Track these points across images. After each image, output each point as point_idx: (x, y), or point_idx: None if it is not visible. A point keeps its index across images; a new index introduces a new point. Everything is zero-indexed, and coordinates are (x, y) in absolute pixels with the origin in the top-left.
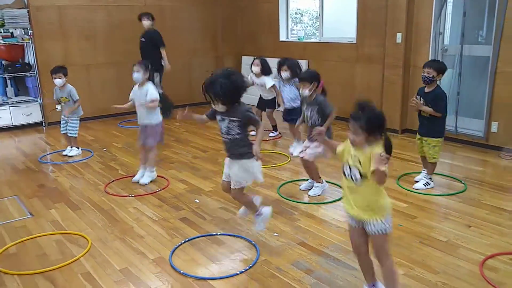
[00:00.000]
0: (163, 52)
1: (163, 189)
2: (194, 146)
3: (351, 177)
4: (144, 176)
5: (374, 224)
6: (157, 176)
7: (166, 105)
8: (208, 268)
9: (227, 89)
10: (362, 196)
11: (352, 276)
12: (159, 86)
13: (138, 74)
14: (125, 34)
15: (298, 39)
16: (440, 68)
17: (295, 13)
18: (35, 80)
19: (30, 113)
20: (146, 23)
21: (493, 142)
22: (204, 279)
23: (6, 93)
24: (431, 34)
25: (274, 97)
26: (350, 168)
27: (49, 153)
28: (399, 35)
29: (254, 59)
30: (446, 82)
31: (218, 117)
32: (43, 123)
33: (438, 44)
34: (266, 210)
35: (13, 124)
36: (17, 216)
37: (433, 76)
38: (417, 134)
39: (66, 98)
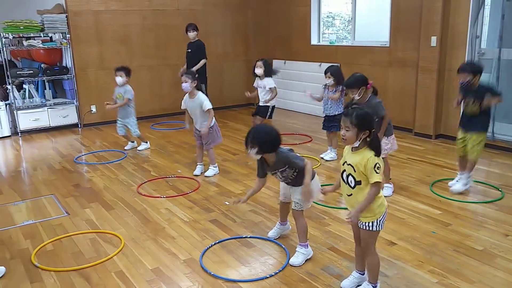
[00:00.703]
0: (202, 62)
1: (194, 190)
2: (224, 149)
3: (348, 183)
4: (209, 170)
5: (363, 222)
6: (187, 177)
7: None
8: (238, 271)
9: (266, 139)
10: (355, 199)
11: (384, 283)
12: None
13: (186, 84)
14: (159, 39)
15: (330, 43)
16: (474, 69)
17: (327, 16)
18: (72, 83)
19: (66, 114)
20: (191, 34)
21: None
22: (234, 281)
23: (44, 95)
24: (468, 37)
25: (268, 106)
26: (347, 176)
27: (84, 154)
28: (433, 39)
29: (257, 61)
30: None
31: (269, 173)
32: (79, 125)
33: (474, 48)
34: (310, 250)
35: (51, 125)
36: (54, 215)
37: (469, 79)
38: (460, 133)
39: (120, 94)
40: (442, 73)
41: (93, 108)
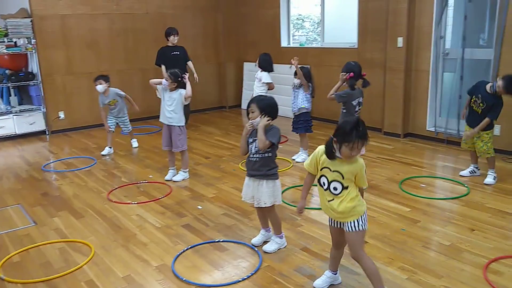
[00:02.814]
0: (191, 65)
1: (165, 196)
2: (196, 153)
3: (329, 190)
4: (178, 174)
5: (351, 224)
6: (159, 182)
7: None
8: (211, 275)
9: (270, 104)
10: (340, 203)
11: (355, 281)
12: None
13: (166, 82)
14: (128, 43)
15: (300, 45)
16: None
17: (297, 18)
18: (39, 89)
19: (33, 121)
20: (176, 38)
21: (496, 146)
22: (207, 286)
23: (9, 102)
24: (432, 38)
25: None
26: (329, 182)
27: (53, 161)
28: (400, 40)
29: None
30: (447, 85)
31: (250, 140)
32: (47, 132)
33: (439, 48)
34: (285, 241)
35: (17, 133)
36: (20, 225)
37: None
38: (466, 129)
39: (113, 100)
40: (409, 73)
41: (61, 114)
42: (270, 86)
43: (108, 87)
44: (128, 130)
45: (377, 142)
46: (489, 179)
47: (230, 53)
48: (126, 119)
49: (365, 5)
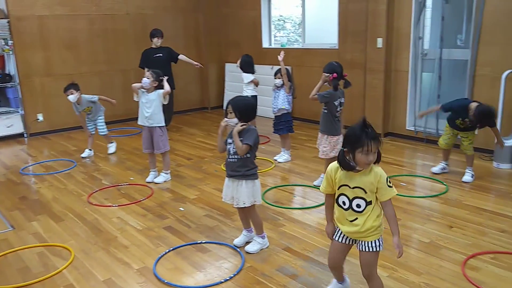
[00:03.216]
0: (185, 57)
1: (147, 198)
2: (178, 154)
3: (352, 208)
4: (160, 176)
5: (370, 244)
6: (140, 184)
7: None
8: (193, 277)
9: (246, 106)
10: (366, 222)
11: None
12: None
13: (147, 81)
14: (108, 44)
15: (281, 46)
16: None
17: (278, 19)
18: (16, 91)
19: (11, 124)
20: (159, 41)
21: (474, 144)
22: None
23: None
24: (411, 38)
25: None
26: (350, 200)
27: (31, 164)
28: (379, 40)
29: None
30: (426, 85)
31: (229, 140)
32: (25, 134)
33: (418, 49)
34: (267, 241)
35: None
36: None
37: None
38: (448, 130)
39: (88, 107)
40: (389, 74)
41: (40, 117)
42: (255, 82)
43: (80, 94)
44: (104, 133)
45: None
46: (467, 177)
47: (211, 54)
48: (101, 121)
49: (345, 6)
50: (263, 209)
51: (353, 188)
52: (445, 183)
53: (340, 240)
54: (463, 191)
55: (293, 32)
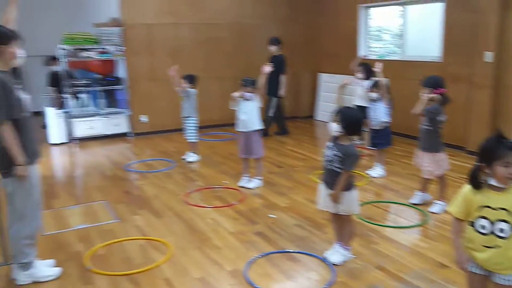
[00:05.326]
0: (284, 79)
1: (239, 202)
2: (269, 161)
3: (494, 233)
4: (253, 181)
5: (509, 277)
6: (233, 188)
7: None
8: (283, 285)
9: (355, 120)
10: (507, 248)
11: None
12: (272, 109)
13: (250, 95)
14: (208, 51)
15: (378, 57)
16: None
17: (376, 30)
18: (124, 93)
19: (119, 123)
20: (272, 48)
21: None
22: None
23: (98, 105)
24: None
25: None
26: (491, 223)
27: (135, 162)
28: (489, 54)
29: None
30: None
31: (328, 143)
32: (130, 134)
33: None
34: (350, 255)
35: (104, 133)
36: (105, 220)
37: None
38: None
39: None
40: (498, 89)
41: (144, 118)
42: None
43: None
44: (192, 140)
45: (459, 161)
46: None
47: (306, 64)
48: (192, 126)
49: (451, 17)
50: (356, 225)
51: (496, 209)
52: None
53: (477, 271)
54: None
55: (391, 43)
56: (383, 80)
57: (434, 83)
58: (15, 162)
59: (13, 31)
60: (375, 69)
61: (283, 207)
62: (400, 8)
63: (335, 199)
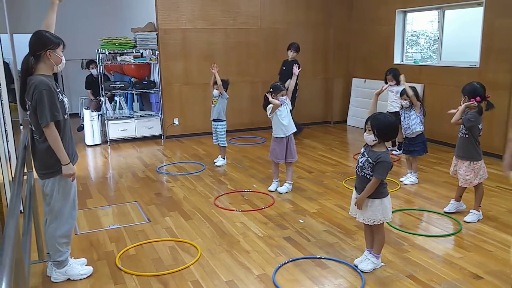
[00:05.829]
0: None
1: (268, 206)
2: (299, 166)
3: None
4: (284, 186)
5: None
6: (262, 193)
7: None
8: None
9: (386, 125)
10: None
11: None
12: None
13: (282, 98)
14: (240, 56)
15: (414, 62)
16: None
17: (411, 35)
18: (158, 97)
19: (151, 126)
20: (291, 54)
21: None
22: None
23: (132, 107)
24: None
25: None
26: None
27: (166, 164)
28: None
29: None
30: None
31: (362, 149)
32: (162, 136)
33: None
34: (380, 262)
35: (136, 135)
36: (136, 221)
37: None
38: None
39: (215, 99)
40: None
41: (176, 121)
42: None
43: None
44: (223, 144)
45: (497, 170)
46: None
47: (338, 69)
48: (222, 130)
49: (491, 22)
50: (387, 233)
51: None
52: None
53: None
54: None
55: (427, 48)
56: (408, 90)
57: (471, 91)
58: (61, 162)
59: (58, 37)
60: (400, 79)
61: (312, 212)
62: (436, 12)
63: (360, 205)
